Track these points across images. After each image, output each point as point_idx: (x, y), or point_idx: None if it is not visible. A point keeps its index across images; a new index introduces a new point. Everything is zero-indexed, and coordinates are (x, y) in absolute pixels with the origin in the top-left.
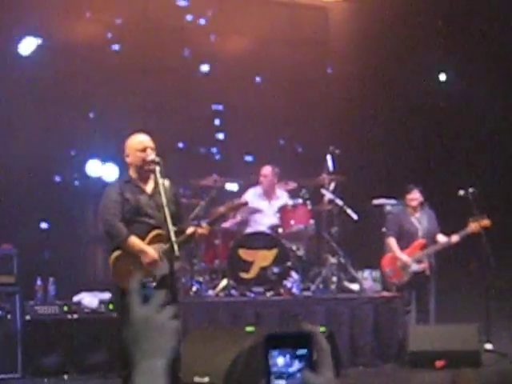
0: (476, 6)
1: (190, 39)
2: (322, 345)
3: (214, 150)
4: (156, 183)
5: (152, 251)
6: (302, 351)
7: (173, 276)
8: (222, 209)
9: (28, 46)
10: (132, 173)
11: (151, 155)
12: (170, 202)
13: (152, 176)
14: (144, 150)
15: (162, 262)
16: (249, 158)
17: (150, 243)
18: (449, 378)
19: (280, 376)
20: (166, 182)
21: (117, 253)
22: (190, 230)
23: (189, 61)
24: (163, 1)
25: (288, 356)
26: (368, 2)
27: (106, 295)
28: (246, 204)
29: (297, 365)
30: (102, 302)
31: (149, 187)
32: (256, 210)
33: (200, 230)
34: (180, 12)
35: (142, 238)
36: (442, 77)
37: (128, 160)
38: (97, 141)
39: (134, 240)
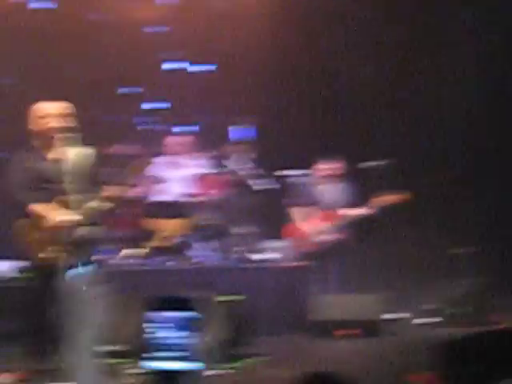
0: None
1: None
2: (209, 307)
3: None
4: (65, 150)
5: (55, 214)
6: (187, 314)
7: (83, 242)
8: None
9: None
10: (35, 140)
11: (53, 122)
12: (82, 167)
13: (58, 143)
14: (45, 116)
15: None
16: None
17: (55, 210)
18: (349, 347)
19: (165, 348)
20: (78, 149)
21: (23, 221)
22: (103, 193)
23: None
24: None
25: (171, 325)
26: None
27: (24, 263)
28: (150, 163)
29: (180, 333)
30: (19, 269)
31: (54, 154)
32: (162, 180)
33: (108, 192)
34: None
35: (47, 205)
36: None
37: (31, 127)
38: None
39: (37, 206)
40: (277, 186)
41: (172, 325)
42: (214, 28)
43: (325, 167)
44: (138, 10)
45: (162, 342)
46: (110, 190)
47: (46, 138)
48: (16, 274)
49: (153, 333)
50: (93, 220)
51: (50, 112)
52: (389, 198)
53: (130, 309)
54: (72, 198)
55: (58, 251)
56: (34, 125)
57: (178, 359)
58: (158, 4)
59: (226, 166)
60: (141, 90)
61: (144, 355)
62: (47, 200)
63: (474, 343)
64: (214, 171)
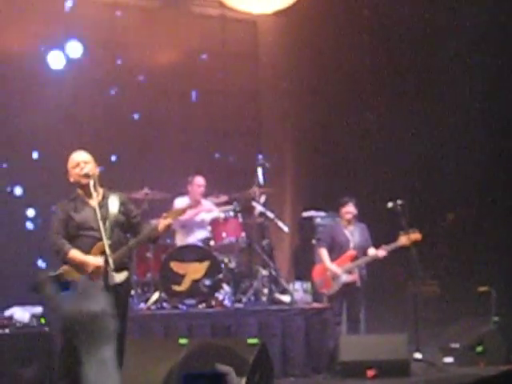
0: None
1: (123, 52)
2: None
3: (147, 163)
4: (103, 196)
5: (93, 259)
6: None
7: (119, 287)
8: (165, 214)
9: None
10: (78, 190)
11: (84, 169)
12: (118, 212)
13: (95, 190)
14: (77, 165)
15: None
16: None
17: (94, 255)
18: None
19: None
20: (112, 194)
21: (63, 268)
22: (155, 223)
23: (123, 73)
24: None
25: None
26: (295, 16)
27: (38, 309)
28: (190, 207)
29: None
30: (34, 315)
31: (94, 201)
32: (187, 224)
33: (164, 222)
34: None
35: (88, 252)
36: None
37: (70, 179)
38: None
39: (75, 253)
40: (305, 227)
41: None
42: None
43: (350, 209)
44: None
45: None
46: (146, 232)
47: (84, 185)
48: (31, 321)
49: None
50: (128, 265)
51: (80, 160)
52: (407, 238)
53: (161, 353)
54: (110, 243)
55: None
56: (70, 175)
57: None
58: None
59: (253, 208)
60: None
61: None
62: (88, 246)
63: (505, 382)
64: (237, 214)
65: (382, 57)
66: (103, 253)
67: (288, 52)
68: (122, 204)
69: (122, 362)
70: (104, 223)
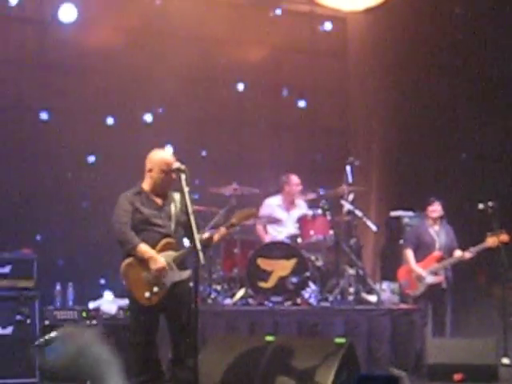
0: None
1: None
2: None
3: (236, 158)
4: (166, 195)
5: (161, 258)
6: None
7: (180, 284)
8: (233, 220)
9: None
10: (145, 185)
11: (176, 163)
12: (180, 212)
13: (168, 189)
14: (168, 172)
15: (172, 270)
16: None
17: (160, 251)
18: None
19: None
20: (174, 193)
21: (128, 260)
22: (206, 234)
23: (212, 69)
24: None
25: None
26: (386, 14)
27: (125, 301)
28: (255, 214)
29: None
30: (120, 308)
31: (159, 199)
32: (276, 220)
33: (219, 233)
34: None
35: (153, 247)
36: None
37: (149, 174)
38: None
39: (144, 247)
40: (391, 227)
41: None
42: None
43: (436, 208)
44: None
45: None
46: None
47: (161, 189)
48: (117, 313)
49: None
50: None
51: (172, 166)
52: (495, 239)
53: (246, 349)
54: (177, 240)
55: (161, 292)
56: (155, 174)
57: None
58: None
59: (342, 206)
60: None
61: None
62: (153, 241)
63: None
64: (325, 212)
65: (475, 56)
66: (168, 249)
67: (377, 50)
68: (184, 204)
69: (196, 358)
70: (173, 221)
